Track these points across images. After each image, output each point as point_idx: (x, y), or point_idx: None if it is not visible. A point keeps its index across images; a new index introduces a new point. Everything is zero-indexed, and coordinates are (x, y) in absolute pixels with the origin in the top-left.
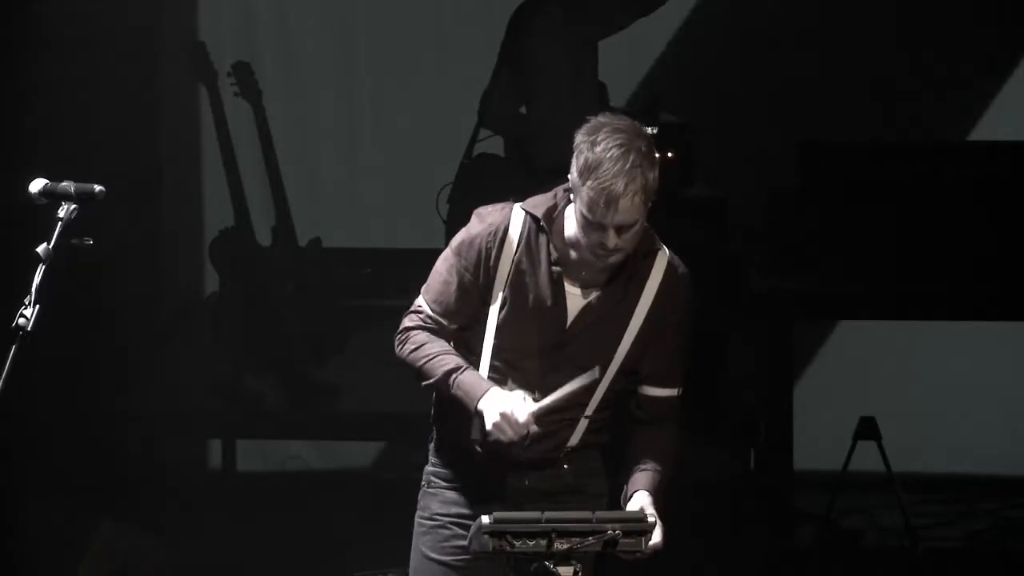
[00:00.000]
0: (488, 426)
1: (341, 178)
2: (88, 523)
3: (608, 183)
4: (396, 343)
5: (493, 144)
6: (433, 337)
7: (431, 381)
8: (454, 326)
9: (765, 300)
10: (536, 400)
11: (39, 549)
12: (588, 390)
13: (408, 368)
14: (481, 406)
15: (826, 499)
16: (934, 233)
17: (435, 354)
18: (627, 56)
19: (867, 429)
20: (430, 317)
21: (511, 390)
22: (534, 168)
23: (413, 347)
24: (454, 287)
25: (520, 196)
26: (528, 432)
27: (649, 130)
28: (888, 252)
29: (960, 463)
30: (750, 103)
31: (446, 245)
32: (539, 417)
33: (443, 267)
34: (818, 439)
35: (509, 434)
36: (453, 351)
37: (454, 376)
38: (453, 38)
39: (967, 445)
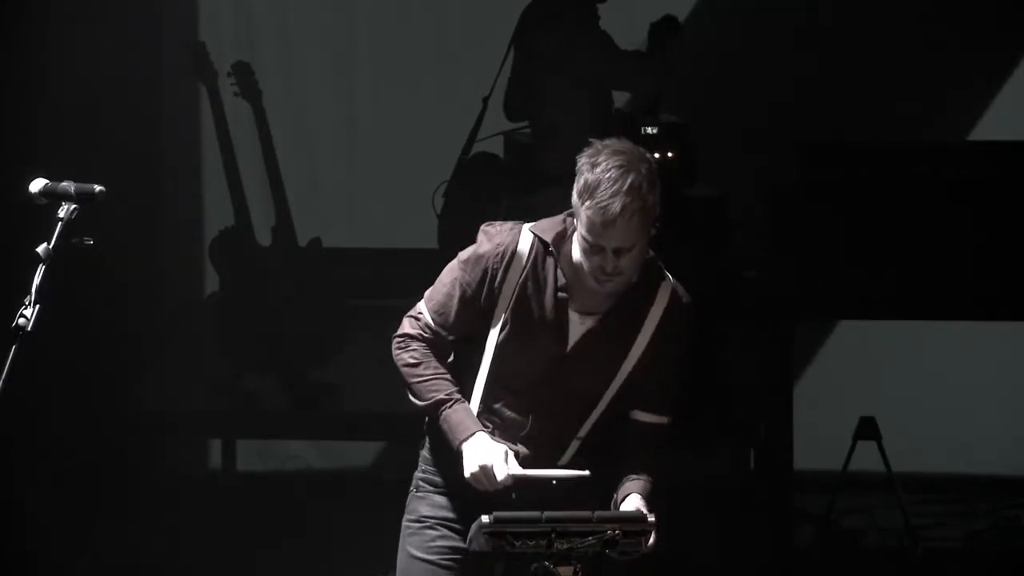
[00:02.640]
0: (466, 473)
1: (341, 178)
2: (88, 522)
3: (606, 203)
4: (394, 346)
5: (491, 143)
6: (429, 355)
7: (420, 404)
8: (451, 337)
9: (765, 300)
10: (519, 454)
11: (39, 548)
12: (582, 416)
13: (400, 377)
14: (464, 448)
15: (826, 499)
16: (934, 233)
17: (428, 377)
18: None
19: (867, 429)
20: (428, 327)
21: (496, 439)
22: (537, 172)
23: (409, 362)
24: (456, 300)
25: (516, 200)
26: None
27: (649, 130)
28: (888, 252)
29: (960, 463)
30: (750, 103)
31: (439, 241)
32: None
33: (448, 278)
34: (818, 439)
35: (485, 486)
36: (446, 375)
37: (443, 408)
38: (453, 38)
39: (967, 445)
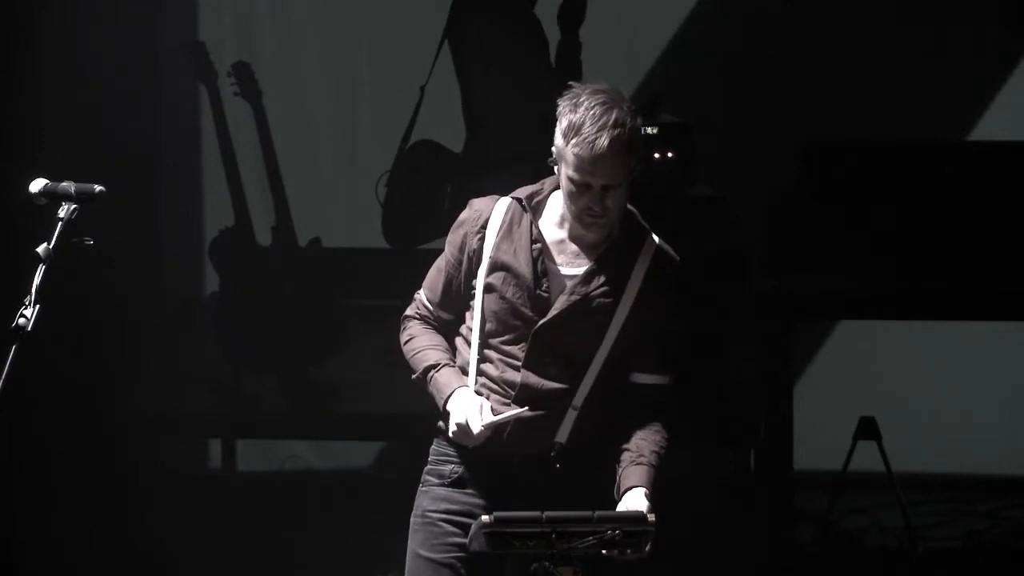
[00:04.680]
0: (450, 432)
1: (341, 178)
2: (88, 522)
3: (592, 138)
4: (400, 331)
5: (431, 131)
6: (425, 329)
7: (415, 376)
8: (448, 316)
9: (765, 300)
10: (497, 404)
11: (40, 548)
12: (574, 381)
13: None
14: (448, 407)
15: (826, 499)
16: (934, 233)
17: (421, 348)
18: (627, 56)
19: (867, 429)
20: (424, 306)
21: (478, 392)
22: (479, 158)
23: (405, 339)
24: (443, 275)
25: (459, 186)
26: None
27: (649, 130)
28: (888, 252)
29: (960, 463)
30: (751, 103)
31: (383, 230)
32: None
33: (439, 258)
34: (818, 439)
35: (466, 442)
36: (439, 346)
37: (431, 373)
38: None
39: (967, 445)
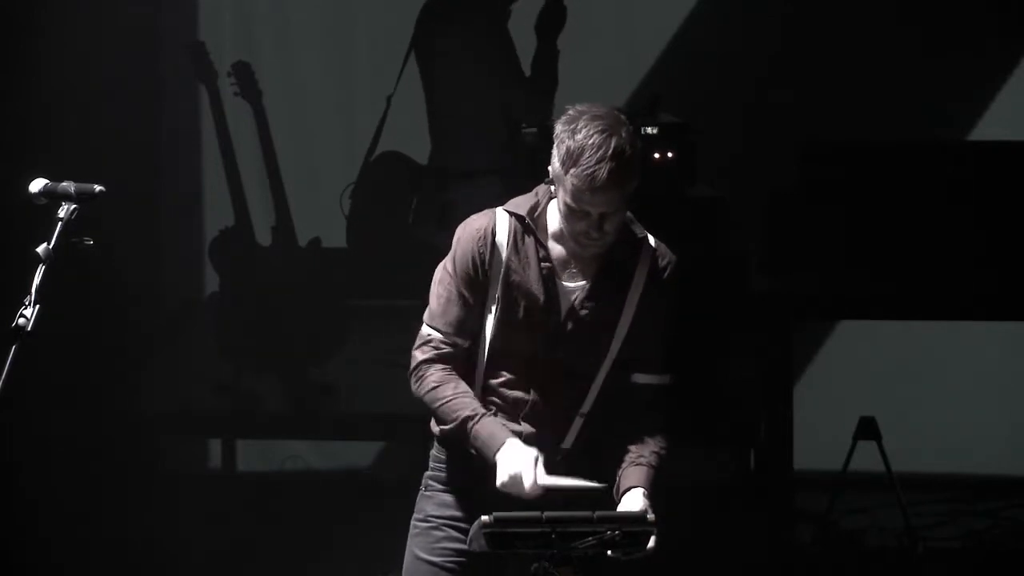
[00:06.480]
0: (498, 483)
1: (341, 178)
2: (88, 522)
3: (592, 169)
4: (412, 381)
5: (396, 143)
6: (448, 375)
7: (448, 427)
8: (467, 343)
9: (765, 300)
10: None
11: (39, 548)
12: (582, 389)
13: (426, 405)
14: (497, 458)
15: (826, 499)
16: (934, 233)
17: (449, 397)
18: (627, 56)
19: (867, 429)
20: (443, 342)
21: (526, 440)
22: (445, 169)
23: (430, 387)
24: (457, 301)
25: (426, 197)
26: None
27: (649, 130)
28: (888, 252)
29: (960, 463)
30: (750, 103)
31: (347, 242)
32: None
33: (440, 288)
34: (818, 439)
35: (519, 494)
36: (468, 393)
37: (471, 425)
38: None
39: (967, 445)
